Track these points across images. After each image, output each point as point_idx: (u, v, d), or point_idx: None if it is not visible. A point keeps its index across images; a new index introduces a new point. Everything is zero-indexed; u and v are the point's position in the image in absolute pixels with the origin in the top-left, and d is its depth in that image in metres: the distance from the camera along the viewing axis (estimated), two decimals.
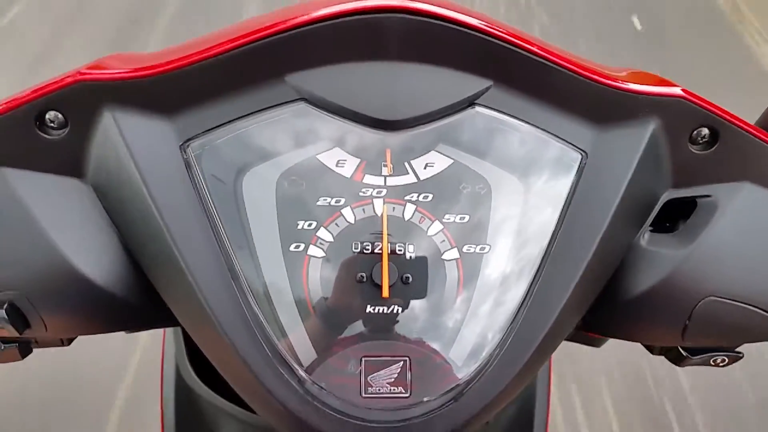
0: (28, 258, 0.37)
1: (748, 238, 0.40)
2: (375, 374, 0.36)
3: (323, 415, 0.36)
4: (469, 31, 0.36)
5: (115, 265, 0.39)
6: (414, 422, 0.36)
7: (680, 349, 0.45)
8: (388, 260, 0.37)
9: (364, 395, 0.36)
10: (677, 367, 0.48)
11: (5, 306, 0.37)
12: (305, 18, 0.36)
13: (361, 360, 0.36)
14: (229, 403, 0.54)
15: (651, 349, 0.47)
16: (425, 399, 0.36)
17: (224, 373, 0.38)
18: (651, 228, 0.41)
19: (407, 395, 0.36)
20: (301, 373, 0.36)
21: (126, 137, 0.37)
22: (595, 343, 0.64)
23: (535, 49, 0.37)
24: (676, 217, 0.42)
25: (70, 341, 0.45)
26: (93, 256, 0.38)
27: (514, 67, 0.37)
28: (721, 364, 0.44)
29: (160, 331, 0.66)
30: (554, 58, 0.37)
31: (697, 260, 0.40)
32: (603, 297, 0.41)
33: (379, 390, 0.36)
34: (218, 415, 0.56)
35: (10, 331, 0.38)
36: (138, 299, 0.40)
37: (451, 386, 0.36)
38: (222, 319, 0.35)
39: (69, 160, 0.39)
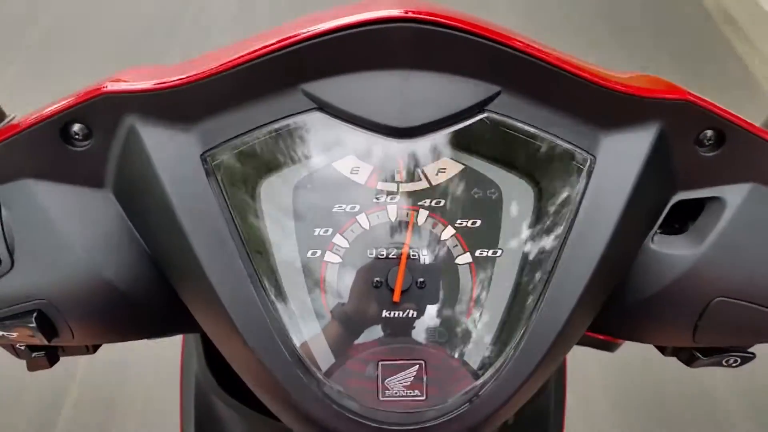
0: (55, 267, 0.38)
1: (755, 238, 0.41)
2: (391, 378, 0.37)
3: (341, 418, 0.36)
4: (477, 38, 0.37)
5: (139, 272, 0.40)
6: (430, 424, 0.37)
7: (692, 350, 0.45)
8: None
9: (381, 398, 0.37)
10: None
11: (34, 314, 0.38)
12: (318, 30, 0.37)
13: (377, 364, 0.37)
14: (248, 409, 0.55)
15: (663, 350, 0.47)
16: (441, 402, 0.37)
17: (244, 377, 0.39)
18: (660, 230, 0.42)
19: (423, 398, 0.37)
20: (320, 376, 0.36)
21: (149, 148, 0.38)
22: (609, 348, 0.64)
23: (542, 55, 0.37)
24: (684, 218, 0.43)
25: (95, 349, 0.46)
26: (117, 264, 0.39)
27: (523, 73, 0.38)
28: (733, 365, 0.45)
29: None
30: (562, 64, 0.38)
31: (706, 261, 0.40)
32: (614, 299, 0.41)
33: (395, 393, 0.37)
34: (238, 421, 0.57)
35: (40, 339, 0.39)
36: (161, 306, 0.41)
37: (467, 389, 0.37)
38: (243, 325, 0.36)
39: (93, 171, 0.40)
